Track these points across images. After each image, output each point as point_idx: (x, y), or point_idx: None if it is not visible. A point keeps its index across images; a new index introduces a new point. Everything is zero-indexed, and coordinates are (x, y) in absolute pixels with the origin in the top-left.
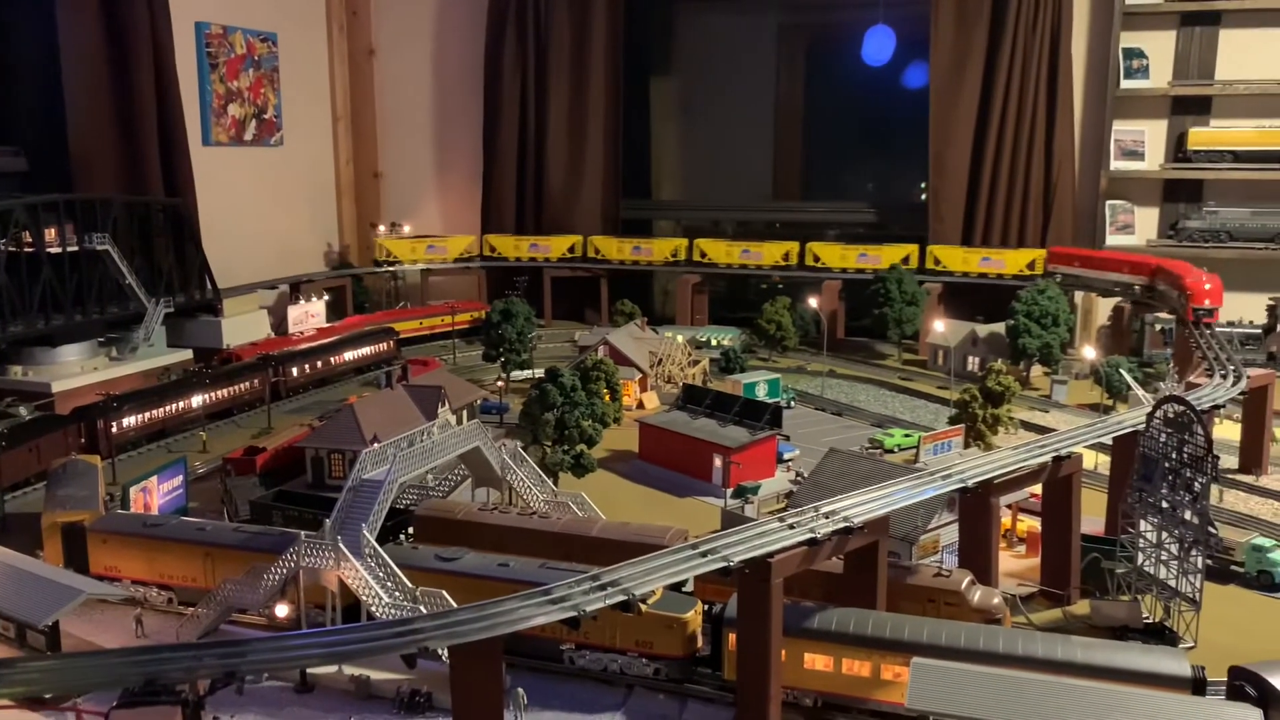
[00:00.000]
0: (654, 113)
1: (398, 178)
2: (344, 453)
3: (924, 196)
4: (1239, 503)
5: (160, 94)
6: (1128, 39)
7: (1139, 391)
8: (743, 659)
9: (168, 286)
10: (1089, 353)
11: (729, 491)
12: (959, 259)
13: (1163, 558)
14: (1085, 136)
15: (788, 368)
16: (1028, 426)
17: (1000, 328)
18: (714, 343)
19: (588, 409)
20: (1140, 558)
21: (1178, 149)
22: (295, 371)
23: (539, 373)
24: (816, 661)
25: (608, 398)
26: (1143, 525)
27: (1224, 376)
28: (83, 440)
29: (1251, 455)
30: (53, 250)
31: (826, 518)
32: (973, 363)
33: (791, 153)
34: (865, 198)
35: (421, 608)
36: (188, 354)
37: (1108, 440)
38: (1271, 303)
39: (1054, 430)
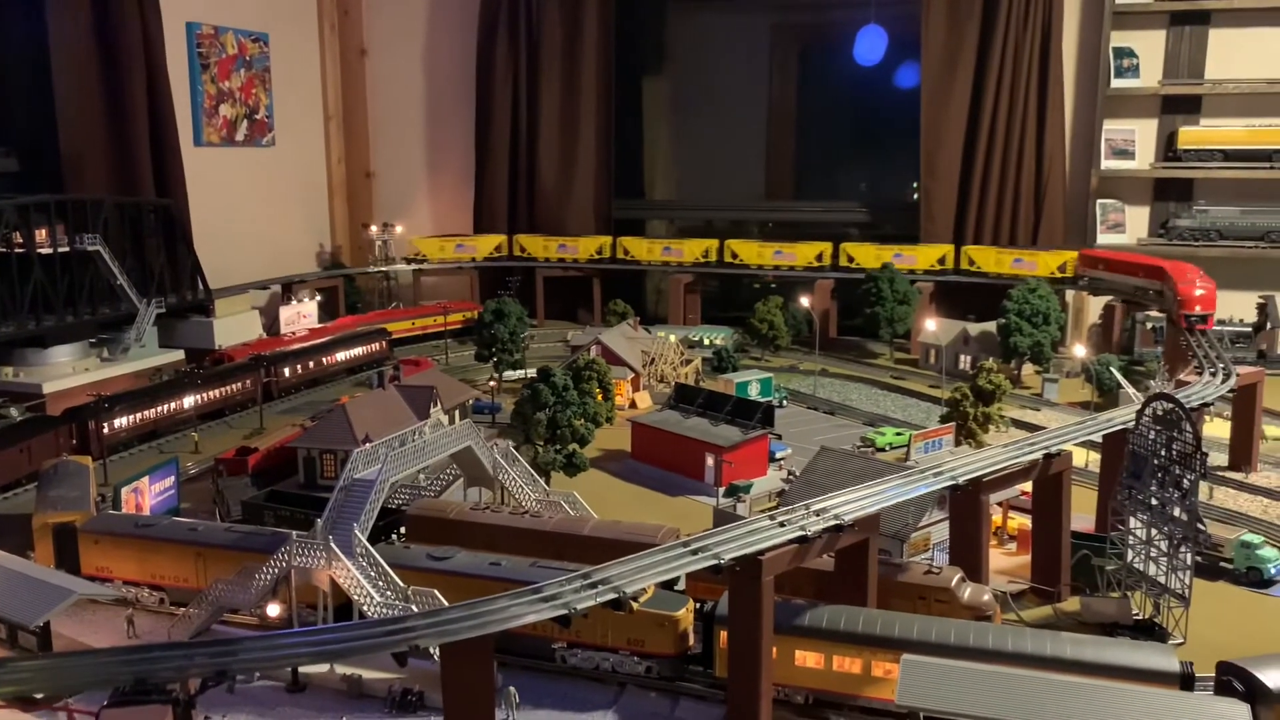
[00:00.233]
0: (646, 112)
1: (390, 177)
2: (336, 453)
3: (915, 196)
4: (1228, 500)
5: (151, 94)
6: (1118, 38)
7: (1128, 389)
8: (734, 656)
9: (159, 287)
10: (1079, 351)
11: (721, 490)
12: (993, 260)
13: (1152, 554)
14: (1076, 136)
15: (780, 367)
16: (1019, 425)
17: (992, 326)
18: (706, 342)
19: (580, 408)
20: (1130, 554)
21: (1168, 148)
22: (287, 372)
23: (531, 373)
24: (807, 659)
25: (600, 397)
26: (1132, 522)
27: (1213, 374)
28: (74, 441)
29: (1241, 452)
30: (43, 251)
31: (817, 515)
32: (964, 361)
33: (784, 152)
34: (857, 197)
35: (413, 606)
36: (179, 355)
37: (1098, 438)
38: (1261, 301)
39: (1044, 428)
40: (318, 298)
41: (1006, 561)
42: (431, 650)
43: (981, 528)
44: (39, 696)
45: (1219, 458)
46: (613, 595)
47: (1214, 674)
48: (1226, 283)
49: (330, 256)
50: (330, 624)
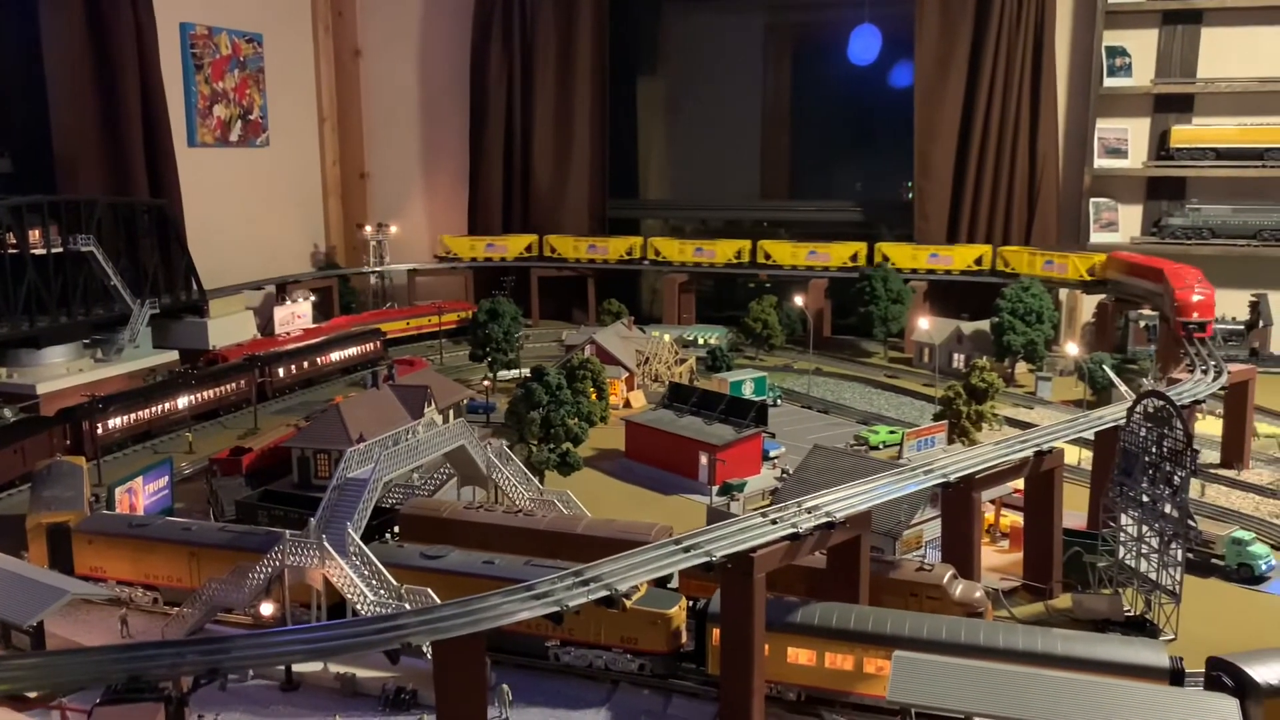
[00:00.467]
0: (641, 112)
1: (384, 178)
2: (330, 452)
3: (909, 195)
4: (1220, 497)
5: (145, 95)
6: (1110, 37)
7: (1120, 386)
8: (726, 654)
9: (153, 288)
10: (1072, 349)
11: (715, 489)
12: (1025, 262)
13: (1143, 551)
14: (1069, 134)
15: (774, 366)
16: (1012, 423)
17: (985, 325)
18: (701, 341)
19: (573, 407)
20: (1121, 551)
21: (1160, 147)
22: (281, 372)
23: (526, 372)
24: (800, 655)
25: (594, 396)
26: (1124, 519)
27: (1205, 372)
28: (68, 441)
29: (1233, 450)
30: (37, 252)
31: (809, 513)
32: (958, 360)
33: (779, 152)
34: (852, 196)
35: (406, 605)
36: (173, 355)
37: (1089, 435)
38: (1253, 299)
39: (1037, 426)
40: (312, 298)
41: (999, 559)
42: (424, 648)
43: (973, 525)
44: (33, 695)
45: (1211, 455)
46: (605, 593)
47: (1204, 670)
48: (1219, 281)
49: (325, 257)
50: (322, 622)
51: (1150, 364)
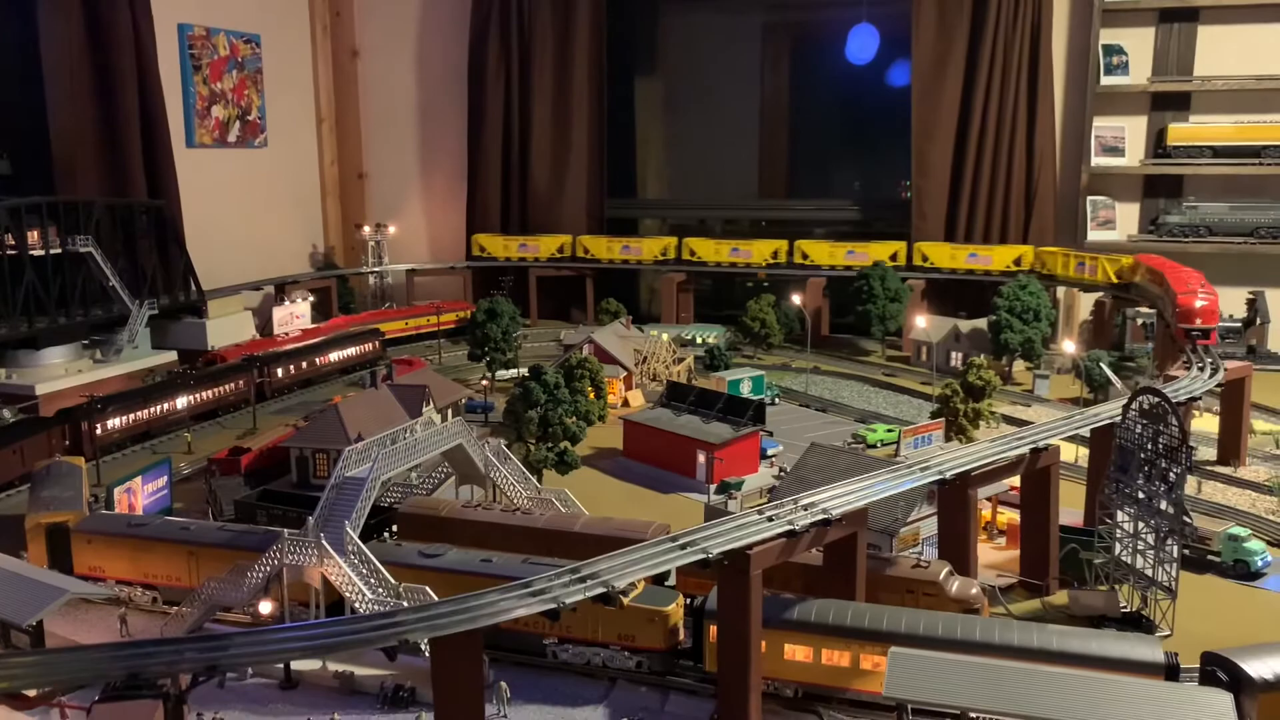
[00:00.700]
0: (639, 112)
1: (382, 179)
2: (329, 452)
3: (907, 194)
4: (1216, 493)
5: (143, 96)
6: (1107, 36)
7: (1116, 383)
8: (723, 650)
9: (152, 288)
10: (1069, 347)
11: (712, 487)
12: (1059, 263)
13: (1139, 548)
14: (1066, 133)
15: (772, 365)
16: (1010, 421)
17: (983, 323)
18: (699, 340)
19: (571, 406)
20: (1117, 548)
21: (1157, 145)
22: (280, 372)
23: (524, 372)
24: (796, 652)
25: (592, 395)
26: (1120, 516)
27: (1201, 369)
28: (67, 442)
29: (1230, 447)
30: (35, 253)
31: (805, 510)
32: (956, 358)
33: (777, 151)
34: (850, 195)
35: (404, 603)
36: (172, 356)
37: (1085, 433)
38: (1250, 296)
39: (1034, 424)
40: (310, 298)
41: (996, 555)
42: (421, 645)
43: (969, 522)
44: (32, 694)
45: (1208, 452)
46: (601, 590)
47: (1199, 665)
48: (1216, 278)
49: (323, 257)
50: (320, 619)
51: (1148, 361)
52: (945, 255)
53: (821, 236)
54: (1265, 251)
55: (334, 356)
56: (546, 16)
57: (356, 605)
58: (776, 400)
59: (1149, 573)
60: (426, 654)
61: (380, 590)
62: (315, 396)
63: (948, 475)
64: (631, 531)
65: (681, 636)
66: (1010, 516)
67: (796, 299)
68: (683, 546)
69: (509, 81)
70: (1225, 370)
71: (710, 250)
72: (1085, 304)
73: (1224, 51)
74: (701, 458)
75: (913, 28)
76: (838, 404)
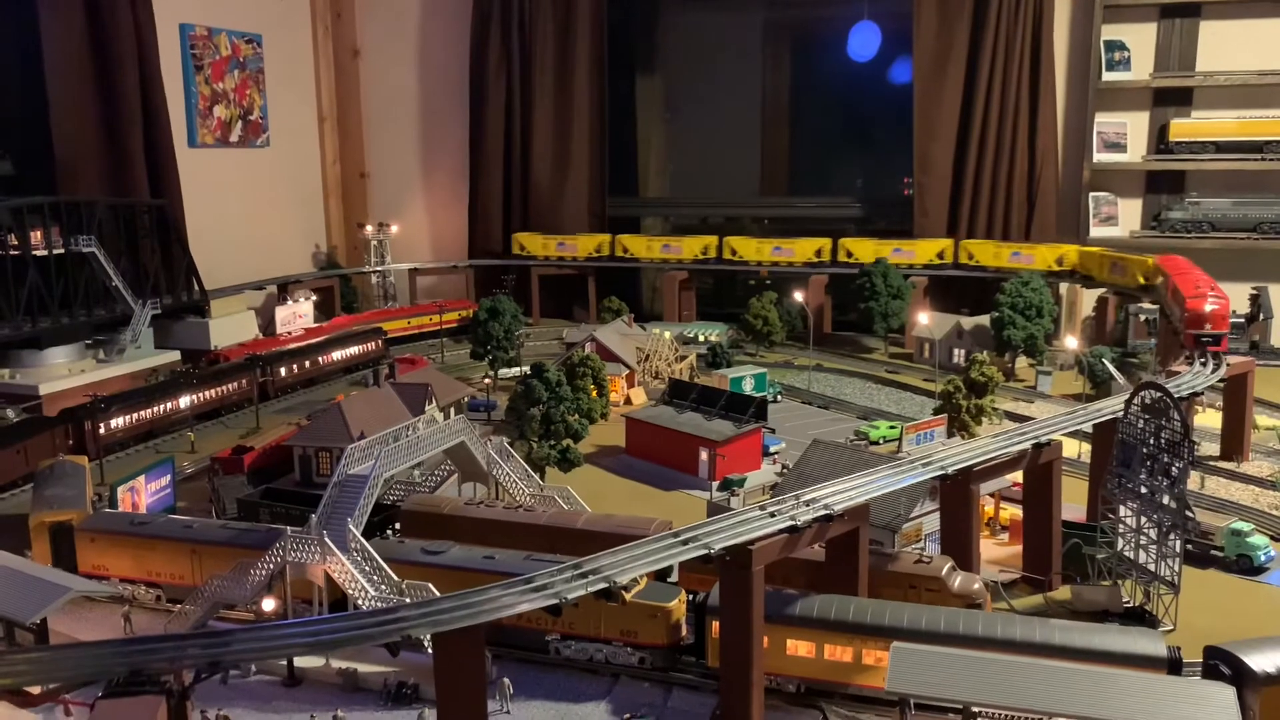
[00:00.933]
0: (640, 110)
1: (384, 178)
2: (331, 450)
3: (909, 191)
4: (1220, 489)
5: (145, 96)
6: (1109, 31)
7: (1118, 378)
8: (726, 646)
9: (154, 288)
10: (1071, 343)
11: (715, 484)
12: (1096, 264)
13: (1142, 543)
14: (1068, 129)
15: (775, 362)
16: (1012, 417)
17: (985, 320)
18: (701, 338)
19: (573, 404)
20: (1120, 543)
21: (1160, 140)
22: (283, 371)
23: (526, 370)
24: (799, 648)
25: (594, 393)
26: (1122, 511)
27: (1204, 364)
28: (70, 442)
29: (1233, 442)
30: (38, 253)
31: (807, 506)
32: (958, 355)
33: (778, 149)
34: (851, 192)
35: (407, 599)
36: (175, 355)
37: (1087, 428)
38: (1254, 292)
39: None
40: (313, 298)
41: (999, 551)
42: (424, 640)
43: (971, 517)
44: (36, 691)
45: (1211, 447)
46: (603, 585)
47: (1202, 659)
48: (1219, 274)
49: (326, 257)
50: (323, 615)
51: (1150, 357)
52: (989, 254)
53: (829, 234)
54: (1268, 247)
55: (337, 355)
56: (547, 15)
57: (360, 602)
58: (779, 398)
59: (1152, 568)
60: (429, 650)
61: (383, 587)
62: (318, 396)
63: (950, 471)
64: (634, 528)
65: (684, 632)
66: (1013, 512)
67: (799, 296)
68: (685, 542)
69: (510, 80)
70: (1228, 366)
71: (752, 249)
72: (1088, 300)
73: (1226, 46)
74: (704, 455)
75: (914, 24)
76: (840, 401)
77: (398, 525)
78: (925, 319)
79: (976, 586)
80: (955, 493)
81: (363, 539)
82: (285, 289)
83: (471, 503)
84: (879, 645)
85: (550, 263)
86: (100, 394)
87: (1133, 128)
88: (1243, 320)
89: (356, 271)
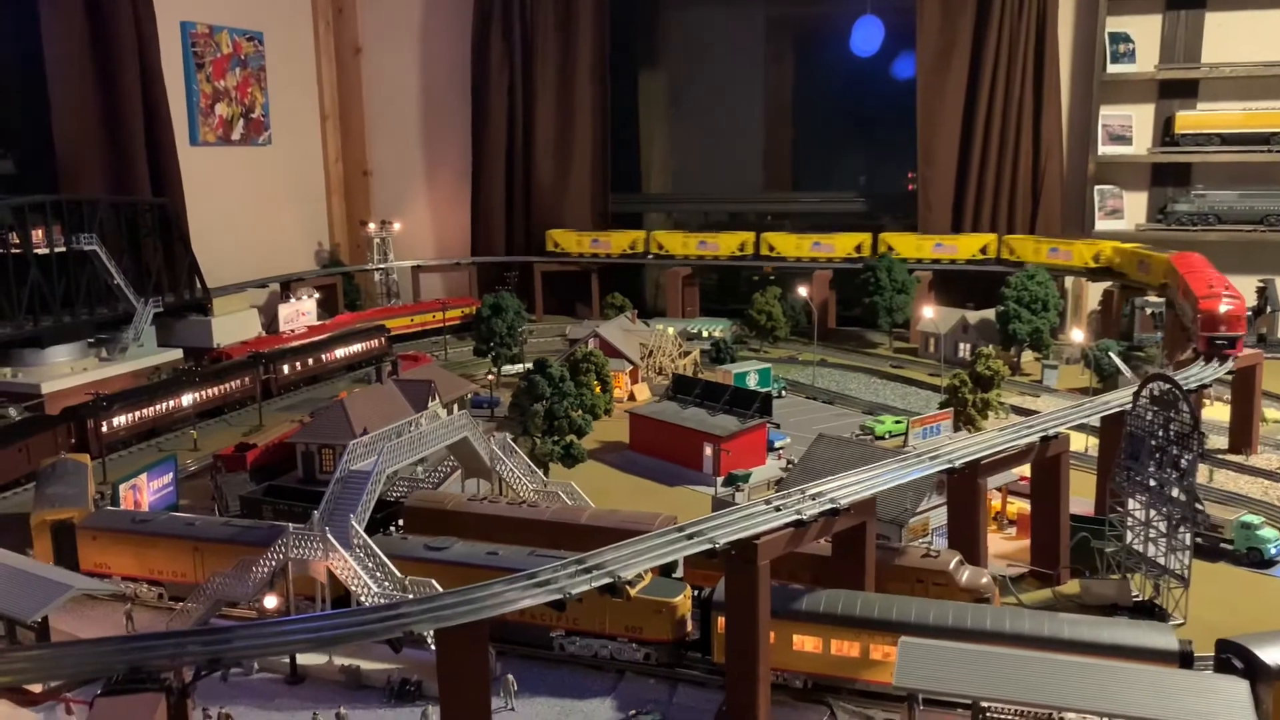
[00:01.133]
0: (642, 106)
1: (387, 175)
2: (334, 447)
3: (913, 186)
4: (1229, 481)
5: (146, 94)
6: (1114, 23)
7: (1126, 372)
8: (731, 642)
9: (156, 286)
10: (1078, 336)
11: (720, 480)
12: (1132, 264)
13: (1151, 536)
14: (1072, 122)
15: (779, 358)
16: (1019, 411)
17: (991, 314)
18: (705, 334)
19: (576, 399)
20: (1129, 536)
21: (1165, 133)
22: (286, 369)
23: (529, 366)
24: (805, 643)
25: (598, 389)
26: (1131, 504)
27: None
28: (73, 440)
29: (1241, 435)
30: (40, 251)
31: (813, 499)
32: (964, 349)
33: (781, 144)
34: (855, 187)
35: (410, 596)
36: (178, 353)
37: (1095, 421)
38: (1261, 285)
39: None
40: (316, 295)
41: (1006, 546)
42: (426, 636)
43: (979, 511)
44: (37, 689)
45: (1219, 440)
46: (607, 580)
47: (1213, 652)
48: (1226, 267)
49: (329, 255)
50: (324, 611)
51: (1157, 351)
52: (1029, 250)
53: (833, 229)
54: (1275, 240)
55: (340, 353)
56: (549, 10)
57: (362, 599)
58: (783, 393)
59: (1161, 561)
60: (432, 646)
61: (386, 584)
62: (321, 393)
63: (957, 464)
64: (638, 523)
65: (689, 628)
66: (1020, 506)
67: (803, 291)
68: (690, 537)
69: (512, 76)
70: (1236, 358)
71: (791, 245)
72: (1094, 293)
73: (1232, 38)
74: (708, 450)
75: (917, 18)
76: (845, 396)
77: (401, 522)
78: (930, 313)
79: (985, 581)
80: (963, 486)
81: (365, 535)
82: (288, 287)
83: (475, 499)
84: (886, 640)
85: (554, 259)
86: (103, 392)
87: (1138, 120)
88: (1250, 313)
89: (359, 269)
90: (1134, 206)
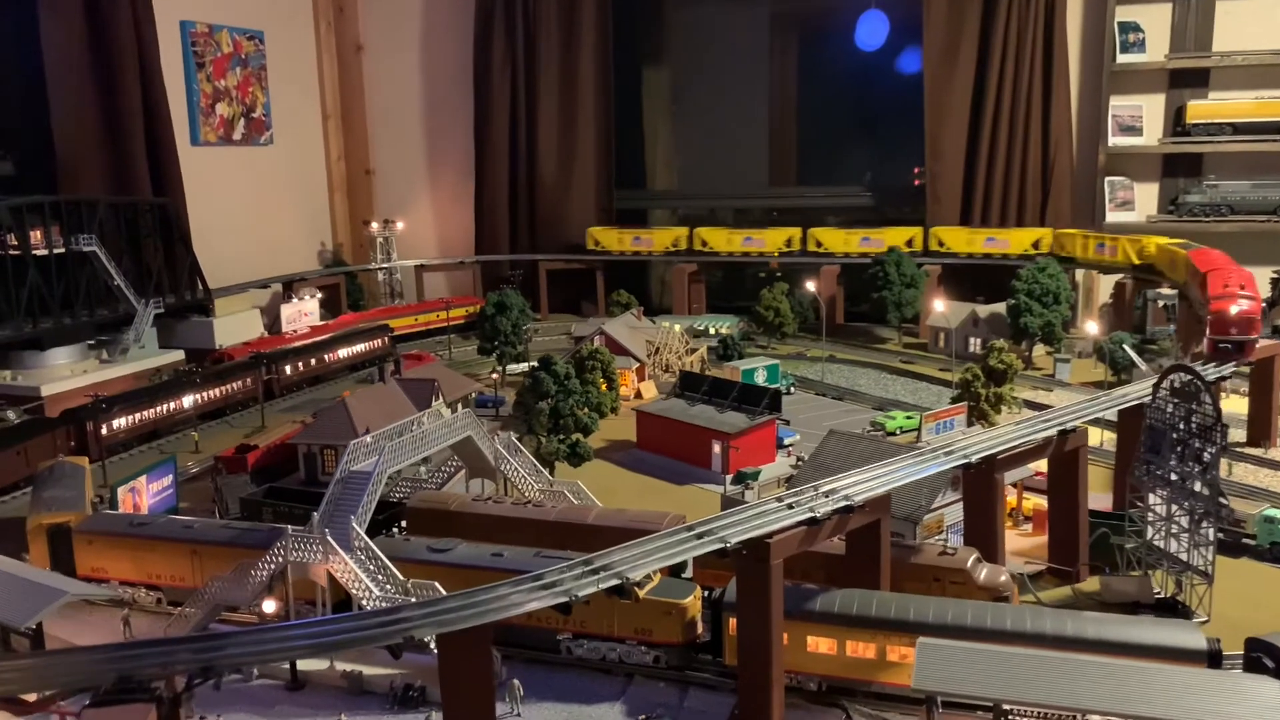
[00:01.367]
0: (646, 102)
1: (389, 174)
2: (336, 448)
3: (921, 180)
4: (1248, 475)
5: (146, 94)
6: (1123, 12)
7: (1140, 364)
8: (743, 644)
9: (157, 287)
10: (1092, 328)
11: (729, 477)
12: (1167, 259)
13: (1173, 531)
14: (1082, 113)
15: (787, 354)
16: (1031, 406)
17: (1001, 308)
18: (712, 331)
19: (582, 397)
20: (1150, 532)
21: (1176, 123)
22: (289, 369)
23: (534, 364)
24: (820, 644)
25: (604, 387)
26: (1151, 499)
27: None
28: (73, 443)
29: (1260, 427)
30: (39, 253)
31: (826, 497)
32: (974, 344)
33: (787, 139)
34: (862, 182)
35: (413, 599)
36: (179, 355)
37: (1114, 413)
38: (1275, 276)
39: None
40: (318, 295)
41: (1022, 542)
42: (428, 642)
43: (996, 507)
44: (31, 699)
45: (1238, 434)
46: (615, 581)
47: (1243, 651)
48: (1239, 258)
49: (331, 254)
50: (321, 616)
51: (1170, 344)
52: (1078, 246)
53: (836, 224)
54: None
55: (343, 353)
56: (551, 6)
57: (363, 602)
58: (792, 389)
59: (1183, 557)
60: (434, 651)
61: (388, 586)
62: (324, 394)
63: (973, 459)
64: (646, 522)
65: (700, 630)
66: (1036, 502)
67: (811, 286)
68: (699, 536)
69: (515, 74)
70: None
71: (839, 240)
72: (1105, 286)
73: (1242, 26)
74: (717, 448)
75: (924, 8)
76: (855, 392)
77: (404, 523)
78: (941, 306)
79: (1003, 579)
80: (979, 482)
81: (366, 537)
82: (290, 287)
83: (479, 499)
84: (903, 641)
85: (559, 257)
86: (103, 394)
87: (1148, 110)
88: (1265, 304)
89: (362, 269)
90: (1145, 198)
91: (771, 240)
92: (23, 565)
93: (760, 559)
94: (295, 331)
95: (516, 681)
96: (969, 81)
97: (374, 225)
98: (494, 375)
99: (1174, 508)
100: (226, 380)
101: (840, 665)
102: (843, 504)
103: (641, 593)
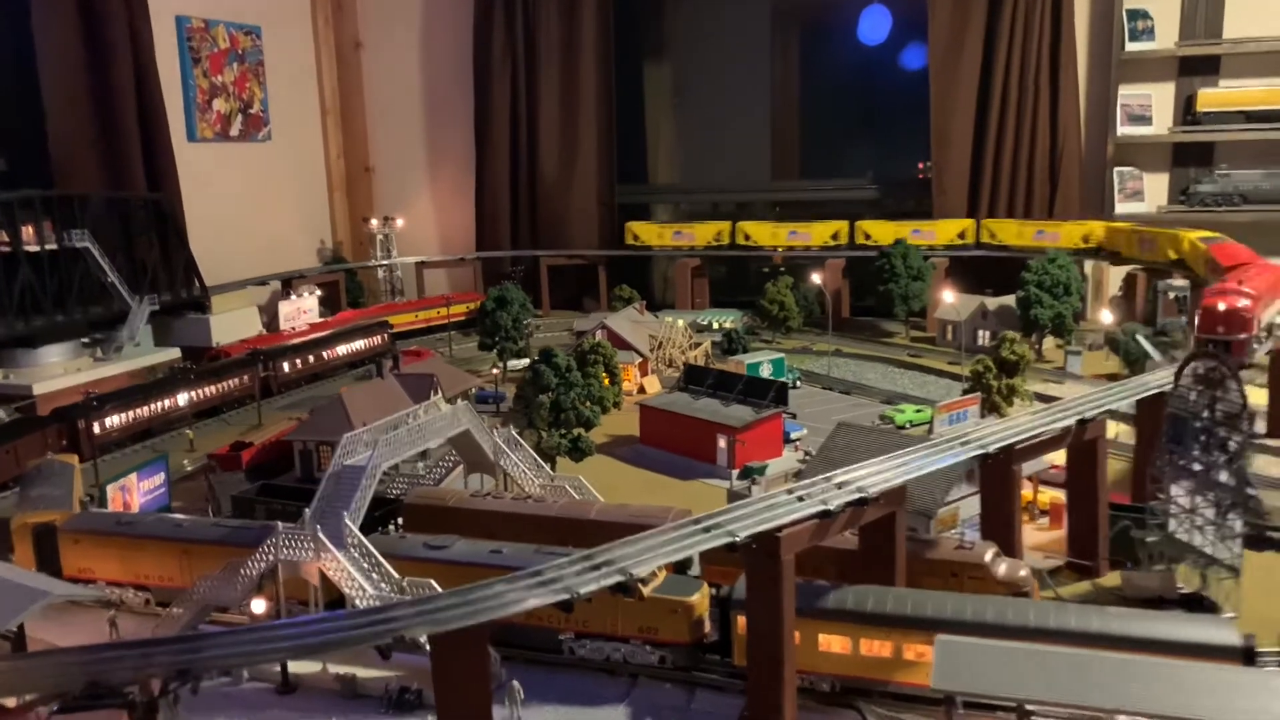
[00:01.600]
0: (647, 96)
1: (389, 171)
2: (332, 444)
3: (926, 173)
4: (1270, 466)
5: (140, 90)
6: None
7: (1155, 355)
8: (753, 643)
9: (152, 284)
10: (1106, 317)
11: (735, 472)
12: (1200, 257)
13: (1197, 523)
14: (1090, 102)
15: (792, 348)
16: (1043, 399)
17: (1010, 300)
18: (715, 325)
19: (584, 391)
20: (1173, 524)
21: (1187, 111)
22: (287, 367)
23: (536, 358)
24: (833, 643)
25: (606, 381)
26: (1174, 490)
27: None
28: (64, 442)
29: None
30: (30, 249)
31: (839, 488)
32: (983, 337)
33: (789, 133)
34: (865, 174)
35: (407, 597)
36: (175, 353)
37: (1133, 403)
38: None
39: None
40: (317, 292)
41: (1039, 537)
42: (421, 642)
43: (1014, 499)
44: (11, 704)
45: (1257, 424)
46: (619, 578)
47: (1277, 647)
48: (1254, 249)
49: (331, 252)
50: (309, 616)
51: (1182, 336)
52: (1123, 241)
53: (839, 218)
54: None
55: (341, 350)
56: (551, 2)
57: (357, 602)
58: (798, 384)
59: (1209, 550)
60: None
61: (383, 585)
62: (323, 391)
63: (991, 450)
64: (649, 518)
65: (707, 629)
66: (1053, 496)
67: (816, 279)
68: (706, 530)
69: (515, 69)
70: (1278, 339)
71: (888, 233)
72: (1115, 278)
73: (1254, 11)
74: (722, 442)
75: (928, 1)
76: (862, 386)
77: (400, 520)
78: (950, 297)
79: (1023, 573)
80: (996, 473)
81: (360, 534)
82: (289, 284)
83: (478, 495)
84: (921, 639)
85: (560, 253)
86: (96, 392)
87: (1158, 99)
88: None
89: (362, 266)
90: (1155, 188)
91: (818, 234)
92: (6, 566)
93: (771, 554)
94: (294, 329)
95: (516, 683)
96: (975, 72)
97: (373, 222)
98: (495, 371)
99: (1198, 499)
100: (222, 378)
101: (854, 665)
102: (857, 496)
103: (646, 590)
